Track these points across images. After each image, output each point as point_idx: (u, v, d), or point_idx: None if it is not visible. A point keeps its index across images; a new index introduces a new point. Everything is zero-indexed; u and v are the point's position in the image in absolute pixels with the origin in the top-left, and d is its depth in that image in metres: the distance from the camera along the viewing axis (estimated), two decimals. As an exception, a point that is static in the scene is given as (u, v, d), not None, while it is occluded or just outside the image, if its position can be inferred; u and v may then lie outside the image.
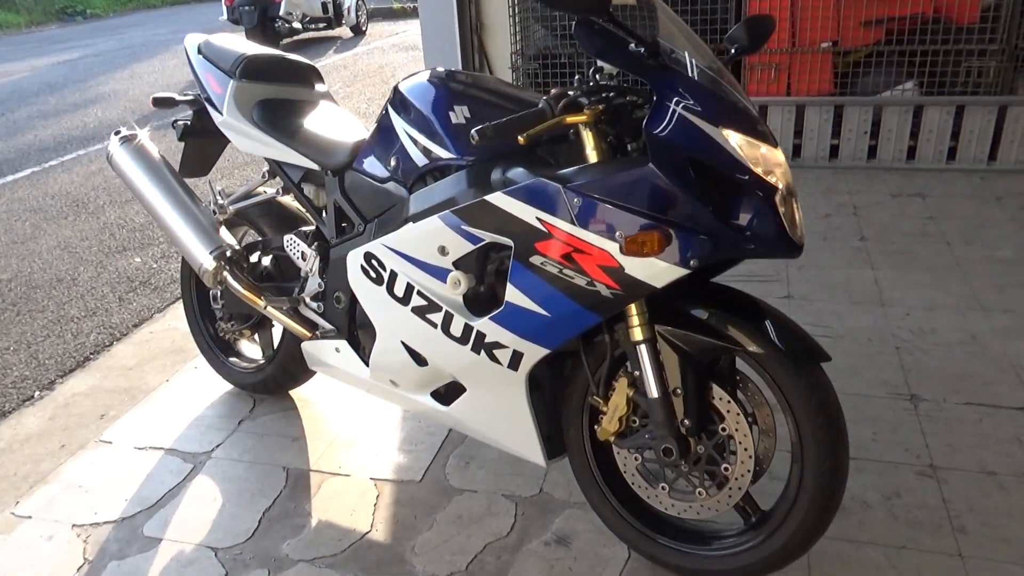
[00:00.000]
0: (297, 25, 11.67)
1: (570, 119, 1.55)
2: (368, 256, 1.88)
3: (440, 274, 1.77)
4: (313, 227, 2.29)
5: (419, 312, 1.82)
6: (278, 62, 2.32)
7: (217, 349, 2.66)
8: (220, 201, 2.33)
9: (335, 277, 2.11)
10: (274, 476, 2.23)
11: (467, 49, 5.82)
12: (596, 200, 1.51)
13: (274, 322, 2.53)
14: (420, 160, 1.82)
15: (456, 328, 1.77)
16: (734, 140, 1.46)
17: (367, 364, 2.08)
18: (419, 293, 1.80)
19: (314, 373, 2.50)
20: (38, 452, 2.41)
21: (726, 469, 1.66)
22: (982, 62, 4.24)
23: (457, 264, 1.74)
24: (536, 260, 1.60)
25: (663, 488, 1.74)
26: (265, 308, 2.22)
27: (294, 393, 2.63)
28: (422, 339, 1.85)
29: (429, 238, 1.75)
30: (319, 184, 2.19)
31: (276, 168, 2.24)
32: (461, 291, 1.74)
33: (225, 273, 2.24)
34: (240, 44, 2.40)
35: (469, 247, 1.71)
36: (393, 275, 1.84)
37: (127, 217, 4.72)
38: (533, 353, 1.70)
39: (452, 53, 5.82)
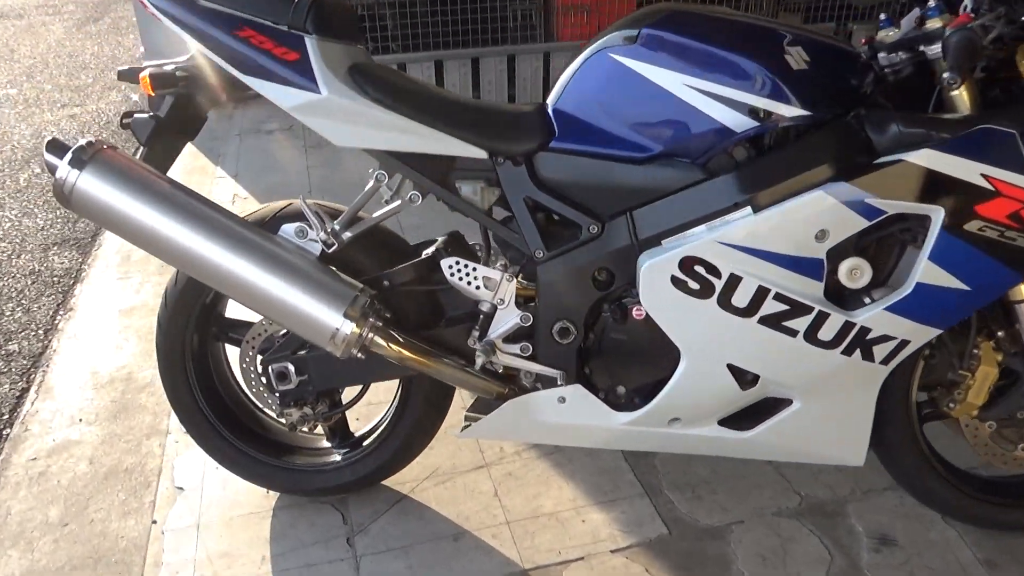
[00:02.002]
0: None
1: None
2: (688, 262, 1.37)
3: (810, 267, 1.37)
4: (465, 244, 1.62)
5: (771, 321, 1.40)
6: (339, 6, 1.53)
7: (261, 453, 1.77)
8: (332, 227, 1.49)
9: (556, 303, 1.52)
10: (492, 598, 1.58)
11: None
12: None
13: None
14: (738, 124, 1.36)
15: (828, 331, 1.40)
16: None
17: (622, 408, 1.56)
18: (777, 297, 1.37)
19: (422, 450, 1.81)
20: None
21: (1107, 408, 1.59)
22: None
23: (835, 252, 1.36)
24: (972, 226, 1.32)
25: (1023, 448, 1.61)
26: (479, 366, 1.53)
27: (374, 478, 1.88)
28: (767, 354, 1.44)
29: (805, 222, 1.34)
30: (486, 179, 1.53)
31: (401, 166, 1.51)
32: (862, 282, 1.37)
33: (373, 335, 1.47)
34: None
35: (861, 225, 1.34)
36: (734, 280, 1.37)
37: None
38: (921, 339, 1.44)
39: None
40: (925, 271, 1.35)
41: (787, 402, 1.53)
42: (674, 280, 1.39)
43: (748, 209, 1.36)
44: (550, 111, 1.50)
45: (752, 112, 1.35)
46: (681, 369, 1.46)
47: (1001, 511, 1.69)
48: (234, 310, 1.81)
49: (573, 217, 1.48)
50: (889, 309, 1.38)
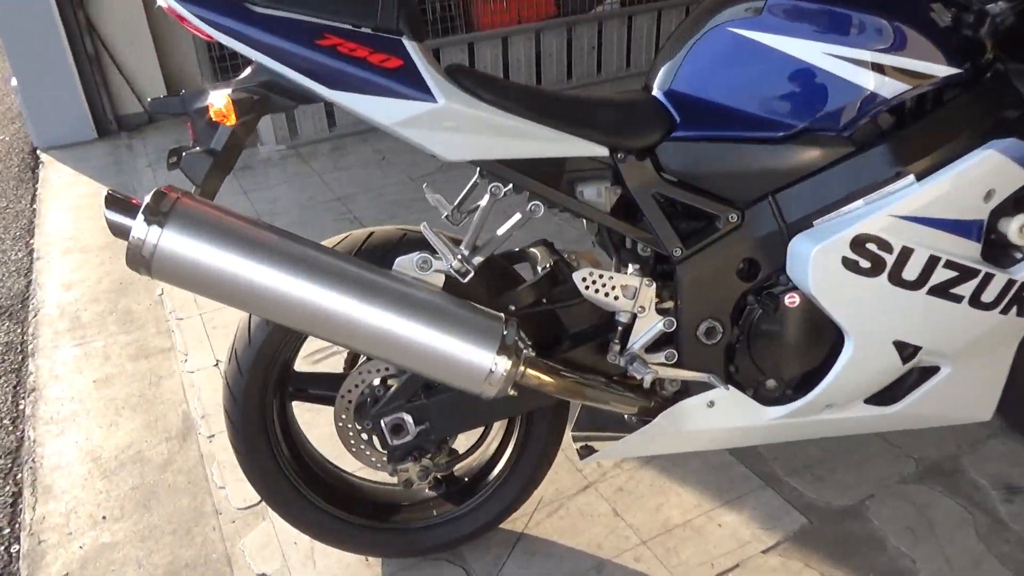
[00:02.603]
0: None
1: None
2: (859, 240, 1.29)
3: (974, 230, 1.33)
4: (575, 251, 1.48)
5: (939, 291, 1.35)
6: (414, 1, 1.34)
7: (365, 519, 1.56)
8: (463, 252, 1.30)
9: (700, 302, 1.41)
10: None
11: (74, 32, 4.16)
12: None
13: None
14: (889, 89, 1.30)
15: (991, 292, 1.37)
16: None
17: (773, 402, 1.47)
18: (947, 265, 1.32)
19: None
20: None
21: None
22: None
23: (997, 211, 1.33)
24: None
25: None
26: (648, 382, 1.40)
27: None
28: (932, 325, 1.39)
29: (973, 184, 1.30)
30: (606, 179, 1.39)
31: (516, 175, 1.34)
32: None
33: (526, 368, 1.30)
34: None
35: None
36: (905, 253, 1.31)
37: None
38: None
39: (52, 40, 4.08)
40: None
41: (934, 370, 1.49)
42: (845, 261, 1.31)
43: (911, 177, 1.30)
44: (660, 97, 1.39)
45: (905, 75, 1.28)
46: (848, 352, 1.39)
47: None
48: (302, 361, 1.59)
49: (709, 208, 1.38)
50: None
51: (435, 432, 1.44)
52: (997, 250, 1.38)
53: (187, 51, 4.55)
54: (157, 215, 1.15)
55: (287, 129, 3.99)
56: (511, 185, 1.34)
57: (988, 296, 1.37)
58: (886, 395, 1.52)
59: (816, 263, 1.31)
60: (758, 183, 1.37)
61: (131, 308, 2.67)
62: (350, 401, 1.47)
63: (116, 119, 4.41)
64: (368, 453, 1.50)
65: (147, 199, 1.17)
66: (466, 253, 1.31)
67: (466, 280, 1.30)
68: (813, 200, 1.34)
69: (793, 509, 1.69)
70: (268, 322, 1.41)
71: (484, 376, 1.25)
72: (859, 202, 1.32)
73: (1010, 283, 1.36)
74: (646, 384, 1.41)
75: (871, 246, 1.30)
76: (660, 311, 1.42)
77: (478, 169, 1.35)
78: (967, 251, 1.33)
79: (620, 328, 1.42)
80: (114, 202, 1.18)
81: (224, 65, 3.82)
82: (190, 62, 4.60)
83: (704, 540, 1.64)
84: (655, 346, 1.43)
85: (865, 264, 1.31)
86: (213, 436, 2.04)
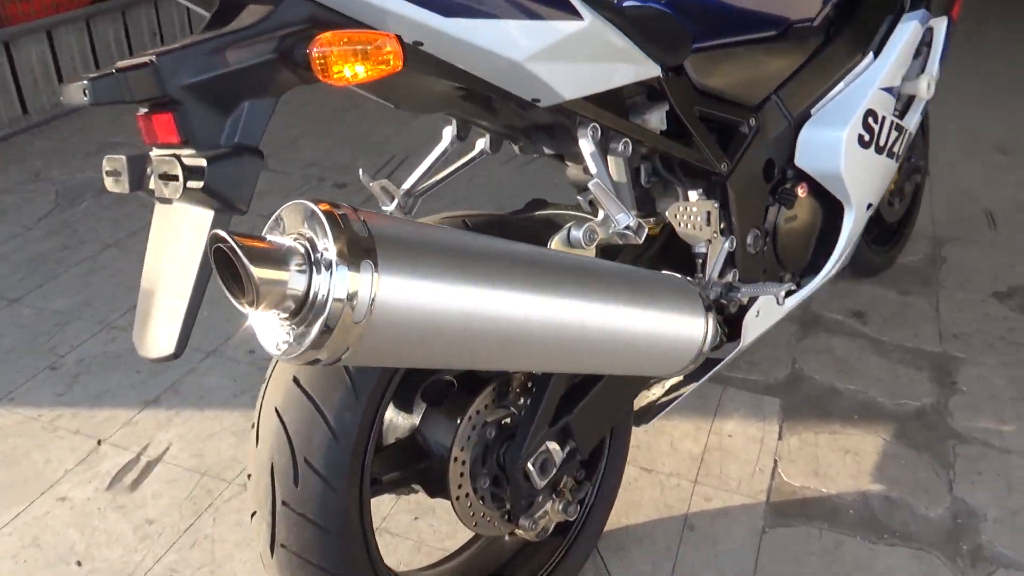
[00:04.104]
0: None
1: None
2: (866, 117, 1.43)
3: (893, 91, 1.55)
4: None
5: (887, 150, 1.56)
6: None
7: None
8: (634, 213, 0.97)
9: (747, 213, 1.40)
10: None
11: None
12: None
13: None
14: None
15: (899, 144, 1.63)
16: None
17: (790, 293, 1.54)
18: (891, 126, 1.53)
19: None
20: None
21: None
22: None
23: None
24: None
25: None
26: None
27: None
28: (878, 182, 1.59)
29: (910, 52, 1.51)
30: (654, 102, 1.23)
31: (599, 111, 1.10)
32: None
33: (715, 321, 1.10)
34: None
35: None
36: (883, 122, 1.52)
37: None
38: None
39: None
40: None
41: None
42: (859, 138, 1.41)
43: (871, 55, 1.45)
44: (667, 9, 1.30)
45: None
46: (849, 224, 1.51)
47: None
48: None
49: (735, 116, 1.35)
50: None
51: (583, 449, 1.15)
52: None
53: None
54: (359, 250, 0.66)
55: None
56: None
57: (897, 147, 1.62)
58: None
59: (847, 147, 1.39)
60: (765, 83, 1.38)
61: None
62: (464, 462, 1.07)
63: None
64: (488, 519, 1.13)
65: (328, 230, 0.65)
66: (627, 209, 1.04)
67: (642, 240, 1.04)
68: (810, 90, 1.41)
69: (762, 396, 1.81)
70: (358, 396, 0.93)
71: (699, 345, 1.04)
72: (840, 85, 1.44)
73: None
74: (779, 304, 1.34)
75: (870, 120, 1.43)
76: (724, 232, 1.34)
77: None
78: (893, 110, 1.55)
79: (700, 260, 1.31)
80: (256, 253, 0.63)
81: None
82: None
83: (732, 455, 1.65)
84: (727, 266, 1.36)
85: (867, 137, 1.44)
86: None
